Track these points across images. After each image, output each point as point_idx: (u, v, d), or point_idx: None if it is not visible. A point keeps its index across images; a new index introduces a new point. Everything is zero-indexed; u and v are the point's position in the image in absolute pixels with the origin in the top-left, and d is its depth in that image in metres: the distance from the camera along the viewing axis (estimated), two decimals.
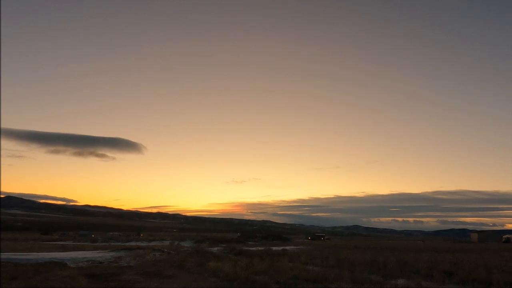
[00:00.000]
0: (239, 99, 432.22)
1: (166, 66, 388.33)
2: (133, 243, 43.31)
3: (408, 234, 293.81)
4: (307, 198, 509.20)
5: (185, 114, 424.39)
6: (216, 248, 31.65)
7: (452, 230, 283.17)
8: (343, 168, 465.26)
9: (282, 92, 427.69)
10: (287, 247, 34.87)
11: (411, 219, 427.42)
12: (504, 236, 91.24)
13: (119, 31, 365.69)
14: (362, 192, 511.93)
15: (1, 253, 19.32)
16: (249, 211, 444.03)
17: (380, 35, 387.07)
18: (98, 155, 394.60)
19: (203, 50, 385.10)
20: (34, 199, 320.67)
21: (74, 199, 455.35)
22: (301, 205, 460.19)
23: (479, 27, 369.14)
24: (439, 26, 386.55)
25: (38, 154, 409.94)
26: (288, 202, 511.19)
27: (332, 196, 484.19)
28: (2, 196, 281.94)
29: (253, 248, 32.04)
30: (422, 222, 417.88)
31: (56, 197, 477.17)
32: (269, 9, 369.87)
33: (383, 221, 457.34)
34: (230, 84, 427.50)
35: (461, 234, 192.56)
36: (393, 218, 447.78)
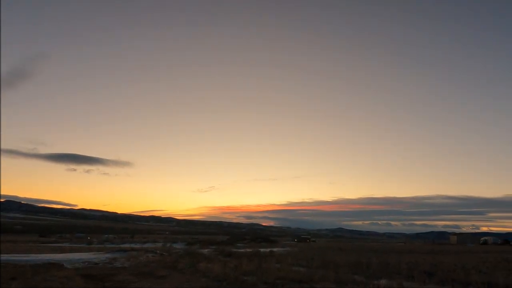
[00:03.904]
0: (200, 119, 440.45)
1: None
2: (127, 245, 43.05)
3: (390, 236, 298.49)
4: (267, 204, 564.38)
5: (165, 134, 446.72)
6: (206, 250, 31.83)
7: (432, 232, 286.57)
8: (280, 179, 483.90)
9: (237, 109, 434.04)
10: (274, 249, 35.16)
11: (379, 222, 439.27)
12: (481, 238, 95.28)
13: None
14: (310, 199, 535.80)
15: (1, 255, 19.53)
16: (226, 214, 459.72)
17: (322, 47, 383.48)
18: (99, 171, 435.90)
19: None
20: (34, 203, 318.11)
21: (73, 203, 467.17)
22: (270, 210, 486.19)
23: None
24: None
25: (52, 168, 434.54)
26: (254, 206, 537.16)
27: (285, 203, 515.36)
28: (2, 200, 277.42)
29: (242, 250, 32.31)
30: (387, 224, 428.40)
31: (57, 201, 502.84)
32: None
33: (356, 224, 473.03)
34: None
35: (440, 237, 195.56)
36: (363, 222, 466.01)
